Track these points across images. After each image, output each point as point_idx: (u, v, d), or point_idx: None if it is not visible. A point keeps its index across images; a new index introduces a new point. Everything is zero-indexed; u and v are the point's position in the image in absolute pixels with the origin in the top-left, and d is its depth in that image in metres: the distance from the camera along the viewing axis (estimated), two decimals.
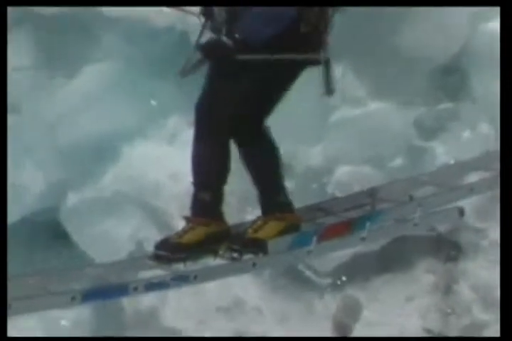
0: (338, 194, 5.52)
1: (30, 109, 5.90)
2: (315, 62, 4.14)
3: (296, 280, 5.70)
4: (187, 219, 4.25)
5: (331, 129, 5.92)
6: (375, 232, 4.45)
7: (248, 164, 4.24)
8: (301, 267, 5.69)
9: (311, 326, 5.61)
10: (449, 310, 5.57)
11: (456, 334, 5.48)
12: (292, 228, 4.25)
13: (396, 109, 5.97)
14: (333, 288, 5.72)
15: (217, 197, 4.24)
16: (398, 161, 5.92)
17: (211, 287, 5.29)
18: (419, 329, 5.54)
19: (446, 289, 5.63)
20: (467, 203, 4.92)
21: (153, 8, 4.18)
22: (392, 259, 5.73)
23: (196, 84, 4.23)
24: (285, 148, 4.35)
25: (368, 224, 4.36)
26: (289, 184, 4.43)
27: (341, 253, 5.31)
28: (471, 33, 5.99)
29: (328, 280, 5.73)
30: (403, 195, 4.74)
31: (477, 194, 4.98)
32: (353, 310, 5.67)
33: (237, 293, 5.57)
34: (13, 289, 3.78)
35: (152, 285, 3.96)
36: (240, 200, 5.25)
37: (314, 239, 4.20)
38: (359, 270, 5.72)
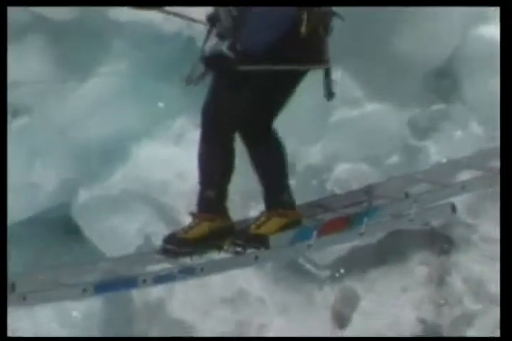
0: (337, 191, 5.52)
1: (43, 111, 5.89)
2: (317, 64, 4.12)
3: (296, 273, 5.69)
4: (193, 215, 4.26)
5: (330, 129, 5.92)
6: (373, 227, 4.46)
7: (255, 163, 4.23)
8: (301, 260, 5.69)
9: (311, 316, 5.60)
10: (441, 301, 5.56)
11: (448, 323, 5.47)
12: (294, 224, 4.26)
13: (392, 110, 5.97)
14: (331, 280, 5.71)
15: (222, 195, 4.24)
16: (394, 160, 5.92)
17: (216, 279, 5.28)
18: (414, 319, 5.53)
19: (440, 281, 5.62)
20: (459, 200, 4.92)
21: (161, 14, 4.18)
22: (388, 252, 5.72)
23: (202, 88, 4.22)
24: (286, 147, 4.34)
25: (365, 219, 4.36)
26: (290, 181, 4.41)
27: (340, 247, 5.31)
28: (463, 38, 6.00)
29: (327, 273, 5.72)
30: (399, 191, 4.74)
31: (469, 191, 4.98)
32: (350, 301, 5.66)
33: (240, 285, 5.56)
34: (28, 282, 3.79)
35: (160, 278, 3.97)
36: (244, 197, 5.25)
37: (314, 233, 4.20)
38: (357, 263, 5.71)
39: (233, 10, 4.02)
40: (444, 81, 6.14)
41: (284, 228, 4.19)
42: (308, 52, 4.06)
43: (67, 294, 3.86)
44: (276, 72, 3.99)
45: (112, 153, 5.80)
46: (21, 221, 5.63)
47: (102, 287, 3.86)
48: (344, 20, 4.13)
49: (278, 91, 4.11)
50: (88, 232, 5.68)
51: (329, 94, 4.21)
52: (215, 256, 4.20)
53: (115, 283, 3.93)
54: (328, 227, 4.29)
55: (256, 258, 4.14)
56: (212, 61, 4.06)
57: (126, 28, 5.84)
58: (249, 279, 5.58)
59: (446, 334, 5.45)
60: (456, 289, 5.55)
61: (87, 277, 4.00)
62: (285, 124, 4.28)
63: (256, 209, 4.48)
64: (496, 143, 5.49)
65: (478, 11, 5.85)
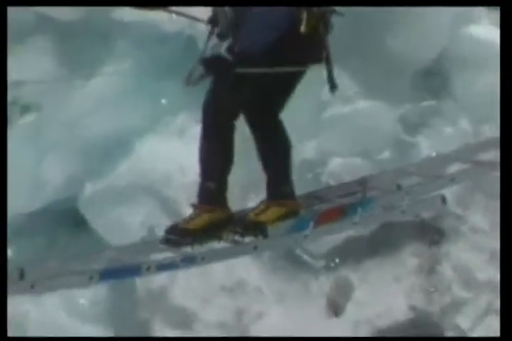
0: (332, 183, 5.52)
1: (51, 108, 5.90)
2: (316, 62, 4.10)
3: (293, 263, 5.70)
4: (194, 206, 4.25)
5: (325, 125, 5.93)
6: (366, 218, 4.44)
7: (261, 150, 4.17)
8: (298, 251, 5.70)
9: (307, 304, 5.61)
10: (432, 289, 5.57)
11: (438, 310, 5.49)
12: (292, 214, 4.23)
13: (384, 107, 5.99)
14: (327, 269, 5.73)
15: (222, 187, 4.23)
16: (386, 154, 5.94)
17: (216, 268, 5.29)
18: (405, 307, 5.55)
19: (430, 270, 5.64)
20: (449, 192, 4.92)
21: (164, 13, 4.17)
22: (380, 243, 5.74)
23: (202, 85, 4.22)
24: None
25: (359, 209, 4.34)
26: None
27: (335, 237, 5.32)
28: (452, 37, 6.01)
29: (323, 263, 5.74)
30: (391, 184, 4.73)
31: (457, 183, 4.98)
32: (345, 290, 5.68)
33: (239, 274, 5.57)
34: (37, 270, 3.79)
35: (163, 266, 3.96)
36: (243, 189, 5.25)
37: (311, 223, 4.19)
38: (351, 253, 5.72)
39: (232, 10, 4.00)
40: (434, 79, 6.17)
41: (282, 217, 4.16)
42: (307, 51, 4.02)
43: (74, 281, 3.85)
44: (275, 72, 3.95)
45: (116, 148, 5.80)
46: (31, 213, 5.65)
47: (107, 274, 3.85)
48: (344, 16, 4.07)
49: (278, 91, 4.08)
50: (94, 224, 5.69)
51: (332, 87, 4.19)
52: (216, 245, 4.19)
53: (120, 271, 3.93)
54: (324, 217, 4.28)
55: (255, 248, 4.13)
56: (211, 63, 4.02)
57: (130, 29, 5.85)
58: (248, 269, 5.59)
59: (436, 320, 5.47)
60: (445, 277, 5.57)
61: (93, 265, 3.99)
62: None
63: (255, 201, 4.47)
64: (482, 137, 5.53)
65: (466, 11, 5.87)
